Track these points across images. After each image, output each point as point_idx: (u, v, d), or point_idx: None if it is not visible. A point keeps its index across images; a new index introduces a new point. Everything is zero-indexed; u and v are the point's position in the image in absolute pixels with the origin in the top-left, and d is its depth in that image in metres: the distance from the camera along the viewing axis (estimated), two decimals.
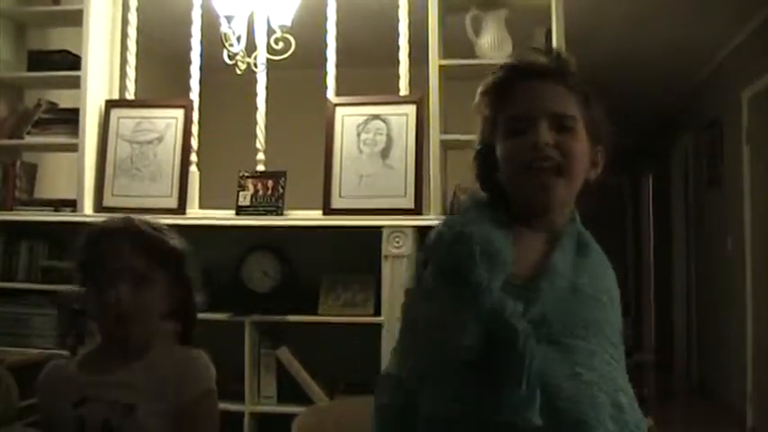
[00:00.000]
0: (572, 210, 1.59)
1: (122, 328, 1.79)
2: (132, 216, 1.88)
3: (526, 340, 1.34)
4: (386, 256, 4.11)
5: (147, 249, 1.82)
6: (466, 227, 1.43)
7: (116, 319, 1.78)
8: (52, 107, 4.76)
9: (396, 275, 4.11)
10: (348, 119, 4.37)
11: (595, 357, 1.45)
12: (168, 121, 4.56)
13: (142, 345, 1.83)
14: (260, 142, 4.59)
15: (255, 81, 4.61)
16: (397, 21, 4.49)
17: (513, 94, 1.50)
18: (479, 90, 1.56)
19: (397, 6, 4.50)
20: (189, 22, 4.64)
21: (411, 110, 4.33)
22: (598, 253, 1.62)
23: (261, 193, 4.35)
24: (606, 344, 1.49)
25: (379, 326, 4.11)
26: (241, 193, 4.37)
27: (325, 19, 4.56)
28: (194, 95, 4.62)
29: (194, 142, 4.59)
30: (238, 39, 4.22)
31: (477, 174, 1.58)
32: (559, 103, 1.49)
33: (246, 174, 4.43)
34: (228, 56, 4.25)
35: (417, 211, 4.21)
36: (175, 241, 1.89)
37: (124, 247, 1.80)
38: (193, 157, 4.58)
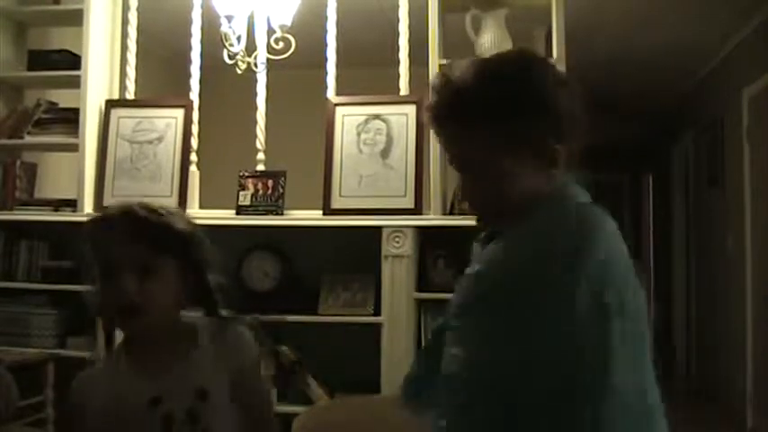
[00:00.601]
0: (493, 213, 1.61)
1: (134, 320, 1.72)
2: (132, 202, 1.80)
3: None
4: (386, 256, 4.11)
5: (150, 236, 1.74)
6: None
7: (125, 312, 1.71)
8: (52, 107, 4.77)
9: (395, 275, 4.11)
10: (348, 119, 4.38)
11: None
12: (168, 120, 4.57)
13: (169, 333, 1.78)
14: (260, 142, 4.59)
15: (255, 81, 4.61)
16: (397, 20, 4.49)
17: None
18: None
19: (397, 6, 4.51)
20: (189, 22, 4.64)
21: (411, 110, 4.33)
22: (509, 240, 1.56)
23: (261, 192, 4.35)
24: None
25: (378, 326, 4.11)
26: (241, 193, 4.37)
27: (326, 19, 4.56)
28: (194, 95, 4.62)
29: (194, 142, 4.59)
30: (238, 38, 4.22)
31: None
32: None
33: (247, 173, 4.43)
34: (229, 56, 4.25)
35: (417, 211, 4.21)
36: (182, 224, 1.82)
37: (124, 235, 1.73)
38: (193, 157, 4.58)
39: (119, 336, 1.81)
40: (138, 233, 1.73)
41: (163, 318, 1.76)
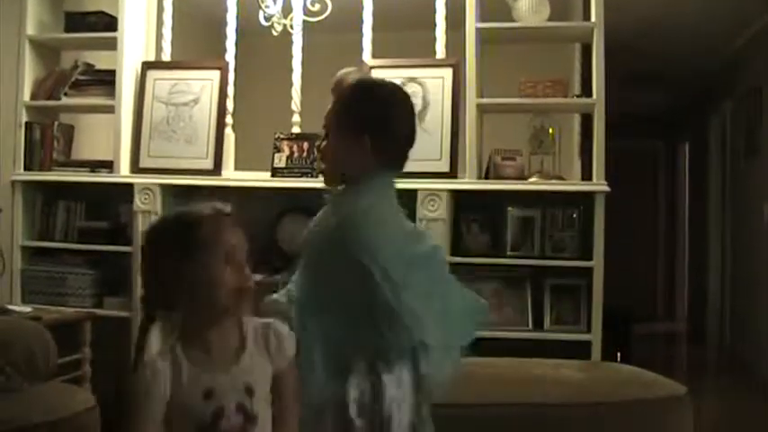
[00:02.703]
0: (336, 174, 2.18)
1: (246, 303, 1.87)
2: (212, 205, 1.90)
3: None
4: (420, 219, 4.10)
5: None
6: None
7: (245, 294, 1.84)
8: (89, 68, 4.79)
9: None
10: None
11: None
12: (204, 82, 4.57)
13: (230, 329, 1.88)
14: (295, 104, 4.59)
15: (291, 43, 4.60)
16: None
17: None
18: None
19: None
20: None
21: (447, 73, 4.31)
22: (337, 209, 2.11)
23: (296, 155, 4.35)
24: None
25: None
26: (276, 155, 4.38)
27: None
28: (230, 57, 4.62)
29: (230, 104, 4.59)
30: (274, 0, 4.21)
31: None
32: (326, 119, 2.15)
33: (282, 135, 4.43)
34: (265, 17, 4.25)
35: (453, 174, 4.20)
36: None
37: (236, 227, 1.87)
38: (229, 119, 4.59)
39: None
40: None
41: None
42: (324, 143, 2.17)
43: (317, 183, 4.24)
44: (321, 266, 2.08)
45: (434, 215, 4.11)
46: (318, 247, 2.10)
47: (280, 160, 4.36)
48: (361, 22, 4.52)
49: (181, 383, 1.78)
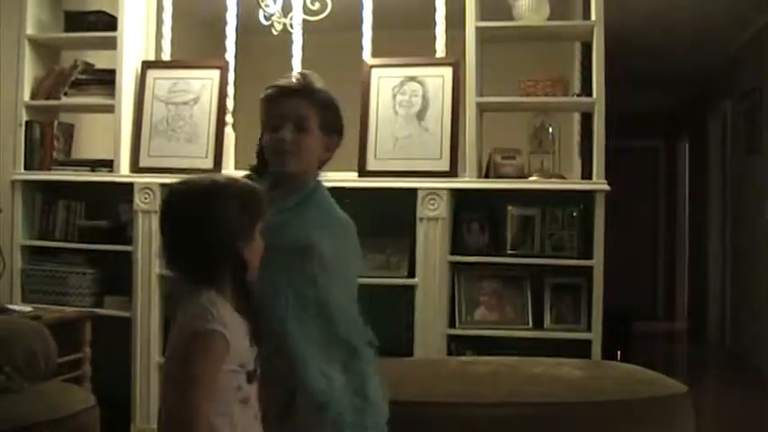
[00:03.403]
0: (314, 176, 2.29)
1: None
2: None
3: None
4: (420, 219, 4.11)
5: None
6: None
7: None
8: (89, 68, 4.79)
9: (430, 238, 4.11)
10: (384, 80, 4.36)
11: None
12: (204, 82, 4.57)
13: None
14: None
15: (291, 42, 4.60)
16: None
17: (274, 105, 2.23)
18: (260, 98, 2.26)
19: None
20: None
21: (447, 72, 4.31)
22: (315, 209, 2.24)
23: None
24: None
25: (412, 288, 4.12)
26: None
27: None
28: (230, 56, 4.62)
29: (230, 103, 4.59)
30: None
31: (256, 153, 2.32)
32: (298, 111, 2.20)
33: None
34: (265, 16, 4.25)
35: (453, 173, 4.20)
36: None
37: None
38: (229, 118, 4.59)
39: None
40: None
41: None
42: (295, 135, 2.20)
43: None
44: (332, 264, 2.18)
45: (434, 214, 4.11)
46: (329, 244, 2.18)
47: None
48: (361, 20, 4.52)
49: (240, 332, 1.87)
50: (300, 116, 2.19)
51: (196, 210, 1.88)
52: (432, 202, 4.11)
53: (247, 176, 2.26)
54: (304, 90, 2.23)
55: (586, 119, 4.81)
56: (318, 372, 2.02)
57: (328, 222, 2.25)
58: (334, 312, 2.13)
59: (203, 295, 1.84)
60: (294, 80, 2.26)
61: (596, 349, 4.10)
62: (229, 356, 1.81)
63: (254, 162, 2.34)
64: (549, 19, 4.40)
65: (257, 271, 1.96)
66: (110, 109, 4.60)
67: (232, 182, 1.99)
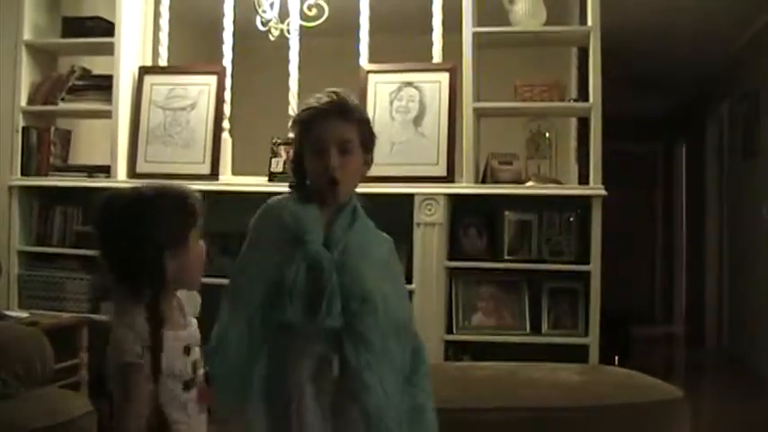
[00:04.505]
0: (352, 193, 2.24)
1: None
2: None
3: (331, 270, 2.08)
4: (417, 224, 4.11)
5: None
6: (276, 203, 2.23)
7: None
8: (86, 73, 4.79)
9: (427, 243, 4.11)
10: (381, 86, 4.36)
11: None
12: (201, 87, 4.58)
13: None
14: (293, 109, 4.58)
15: (288, 47, 4.60)
16: None
17: (313, 127, 2.16)
18: (293, 119, 2.23)
19: None
20: None
21: (444, 77, 4.31)
22: (365, 224, 2.28)
23: None
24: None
25: (410, 293, 4.12)
26: (273, 160, 4.38)
27: None
28: (227, 62, 4.63)
29: (227, 109, 4.60)
30: (271, 5, 4.23)
31: (292, 169, 2.26)
32: (341, 134, 2.14)
33: (279, 140, 4.43)
34: (262, 22, 4.25)
35: (449, 178, 4.21)
36: None
37: None
38: (226, 124, 4.59)
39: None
40: None
41: None
42: (340, 159, 2.15)
43: None
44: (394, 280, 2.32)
45: (431, 219, 4.11)
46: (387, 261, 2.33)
47: (277, 165, 4.36)
48: (358, 26, 4.53)
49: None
50: (344, 140, 2.14)
51: (118, 224, 1.97)
52: (429, 207, 4.11)
53: (289, 193, 2.24)
54: (341, 110, 2.18)
55: (583, 123, 4.82)
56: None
57: (382, 234, 2.37)
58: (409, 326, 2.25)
59: (127, 314, 1.88)
60: (329, 99, 2.19)
61: (594, 354, 4.10)
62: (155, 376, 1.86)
63: (293, 178, 2.26)
64: (546, 24, 4.41)
65: (200, 272, 2.02)
66: (107, 114, 4.60)
67: (159, 192, 2.01)
